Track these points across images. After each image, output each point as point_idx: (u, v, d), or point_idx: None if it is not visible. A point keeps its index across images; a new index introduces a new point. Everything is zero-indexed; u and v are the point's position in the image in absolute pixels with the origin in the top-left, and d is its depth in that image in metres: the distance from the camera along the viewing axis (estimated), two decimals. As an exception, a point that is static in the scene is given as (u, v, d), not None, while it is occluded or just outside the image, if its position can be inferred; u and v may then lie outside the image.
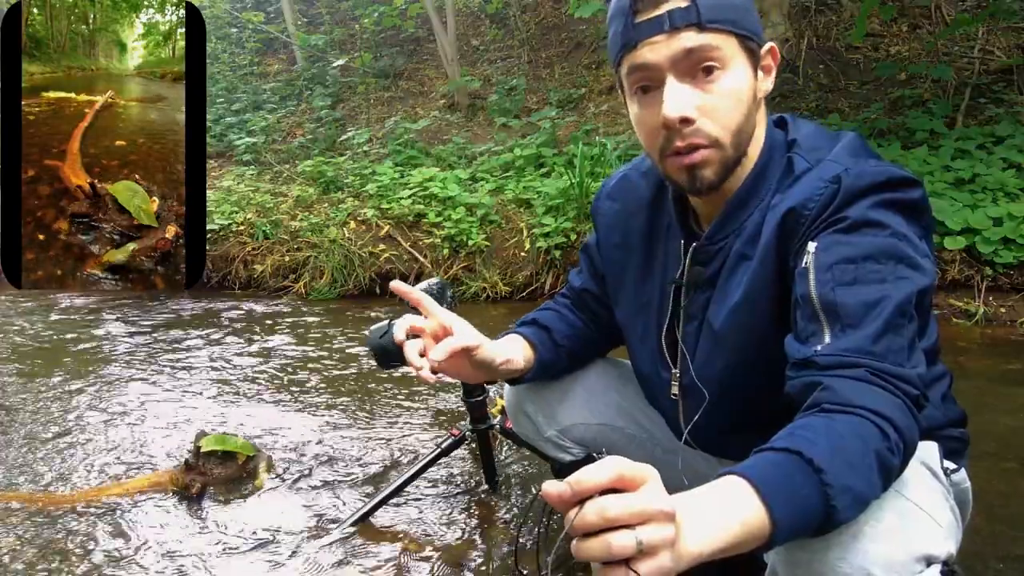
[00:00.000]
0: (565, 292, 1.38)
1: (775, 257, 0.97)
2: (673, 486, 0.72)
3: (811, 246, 0.90)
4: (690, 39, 0.93)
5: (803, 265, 0.90)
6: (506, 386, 1.48)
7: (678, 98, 0.94)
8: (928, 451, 0.96)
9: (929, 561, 0.82)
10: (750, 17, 0.98)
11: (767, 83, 1.01)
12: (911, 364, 0.84)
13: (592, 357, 1.40)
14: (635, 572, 0.62)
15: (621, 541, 0.62)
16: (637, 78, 0.97)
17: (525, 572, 1.33)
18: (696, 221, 1.11)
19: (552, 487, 0.65)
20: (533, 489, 1.92)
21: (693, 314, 1.09)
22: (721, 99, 0.95)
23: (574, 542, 0.64)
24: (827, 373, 0.83)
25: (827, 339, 0.85)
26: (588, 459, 0.66)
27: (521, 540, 1.60)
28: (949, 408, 1.08)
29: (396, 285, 1.08)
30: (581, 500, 0.64)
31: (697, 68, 0.95)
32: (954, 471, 1.04)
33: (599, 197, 1.27)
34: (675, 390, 1.16)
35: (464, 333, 1.09)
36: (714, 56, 0.94)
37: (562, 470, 1.42)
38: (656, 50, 0.94)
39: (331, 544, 1.67)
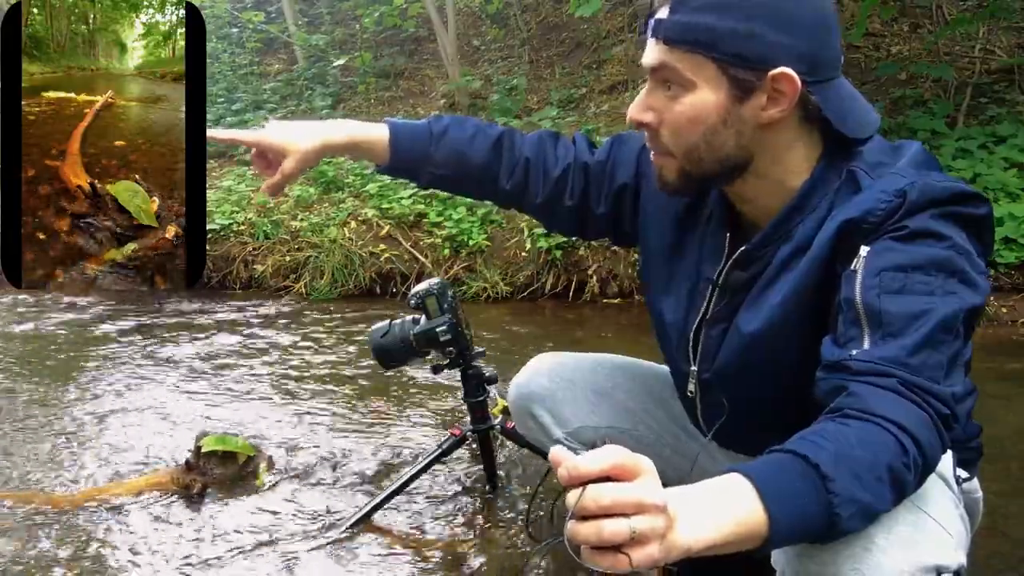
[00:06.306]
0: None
1: (824, 267, 0.94)
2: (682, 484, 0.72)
3: (863, 250, 0.88)
4: (660, 53, 0.95)
5: (852, 268, 0.88)
6: (511, 388, 1.47)
7: (640, 103, 1.00)
8: (942, 459, 0.95)
9: (940, 572, 0.82)
10: (743, 41, 0.91)
11: (774, 110, 0.94)
12: (947, 383, 0.82)
13: (486, 190, 1.28)
14: (626, 556, 0.65)
15: (613, 528, 0.65)
16: None
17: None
18: (737, 219, 1.08)
19: (559, 456, 0.67)
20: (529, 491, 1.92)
21: (720, 317, 1.08)
22: (676, 117, 0.97)
23: (569, 524, 0.67)
24: (857, 379, 0.81)
25: (865, 345, 0.84)
26: (592, 448, 0.70)
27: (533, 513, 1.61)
28: (970, 424, 1.07)
29: (212, 133, 1.11)
30: (579, 484, 0.66)
31: (664, 81, 0.97)
32: (966, 480, 1.03)
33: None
34: (692, 387, 1.16)
35: (288, 161, 1.14)
36: (672, 76, 0.95)
37: None
38: (646, 53, 0.98)
39: (332, 544, 1.66)
